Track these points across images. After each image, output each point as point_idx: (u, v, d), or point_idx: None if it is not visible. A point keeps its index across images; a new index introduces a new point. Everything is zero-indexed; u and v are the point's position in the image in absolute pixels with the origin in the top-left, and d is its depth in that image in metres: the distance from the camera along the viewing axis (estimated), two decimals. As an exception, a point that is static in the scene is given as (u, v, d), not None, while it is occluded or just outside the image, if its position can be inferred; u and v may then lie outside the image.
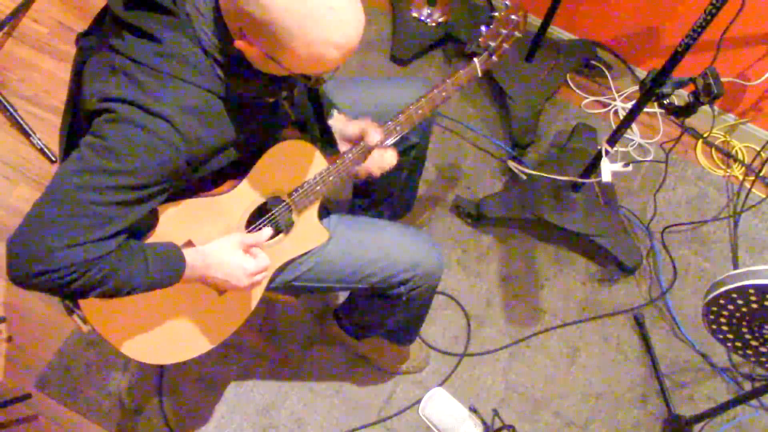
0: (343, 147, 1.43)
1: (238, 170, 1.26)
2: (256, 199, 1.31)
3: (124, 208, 1.06)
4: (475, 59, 1.42)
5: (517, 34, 1.44)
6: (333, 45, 1.02)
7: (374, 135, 1.40)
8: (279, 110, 1.27)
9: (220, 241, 1.25)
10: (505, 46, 1.44)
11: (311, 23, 0.99)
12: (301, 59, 1.04)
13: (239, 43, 1.05)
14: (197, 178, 1.18)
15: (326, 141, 1.44)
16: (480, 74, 1.43)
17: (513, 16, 1.40)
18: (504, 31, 1.41)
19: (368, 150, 1.41)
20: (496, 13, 1.40)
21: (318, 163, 1.36)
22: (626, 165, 1.86)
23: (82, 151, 1.05)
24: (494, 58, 1.44)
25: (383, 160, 1.46)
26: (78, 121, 1.17)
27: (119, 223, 1.06)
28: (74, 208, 1.02)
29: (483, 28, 1.40)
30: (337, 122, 1.47)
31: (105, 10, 1.15)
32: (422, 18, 2.52)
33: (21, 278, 1.03)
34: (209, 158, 1.15)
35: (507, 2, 1.41)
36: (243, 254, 1.27)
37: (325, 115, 1.47)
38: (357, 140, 1.42)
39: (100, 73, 1.09)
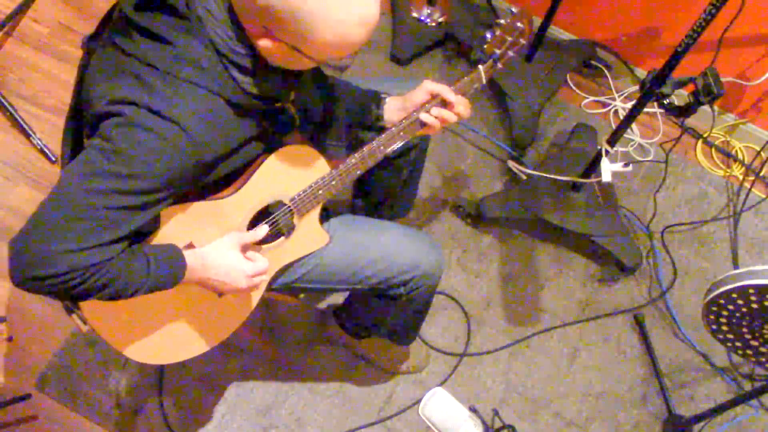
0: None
1: (241, 174, 1.26)
2: (259, 203, 1.31)
3: (130, 213, 1.05)
4: (480, 66, 1.41)
5: (522, 41, 1.43)
6: (356, 22, 1.02)
7: (446, 89, 1.38)
8: (285, 114, 1.27)
9: (217, 242, 1.25)
10: (510, 53, 1.44)
11: (334, 3, 0.99)
12: (327, 43, 1.03)
13: (264, 42, 1.05)
14: (203, 183, 1.18)
15: (327, 144, 1.44)
16: (484, 82, 1.43)
17: (518, 24, 1.40)
18: (509, 39, 1.41)
19: (418, 120, 1.38)
20: (502, 21, 1.39)
21: (321, 167, 1.35)
22: (626, 165, 1.87)
23: (89, 153, 1.04)
24: (499, 65, 1.43)
25: (466, 104, 1.43)
26: (82, 124, 1.17)
27: (125, 228, 1.06)
28: (80, 212, 1.01)
29: (488, 35, 1.40)
30: (394, 103, 1.45)
31: (110, 14, 1.15)
32: (422, 18, 2.52)
33: (24, 281, 1.02)
34: (217, 163, 1.15)
35: (513, 9, 1.40)
36: (240, 255, 1.26)
37: (335, 118, 1.47)
38: (427, 102, 1.39)
39: (107, 75, 1.08)
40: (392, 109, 1.46)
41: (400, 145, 1.41)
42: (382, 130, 1.40)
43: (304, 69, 1.16)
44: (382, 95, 1.47)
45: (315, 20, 1.00)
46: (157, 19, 1.05)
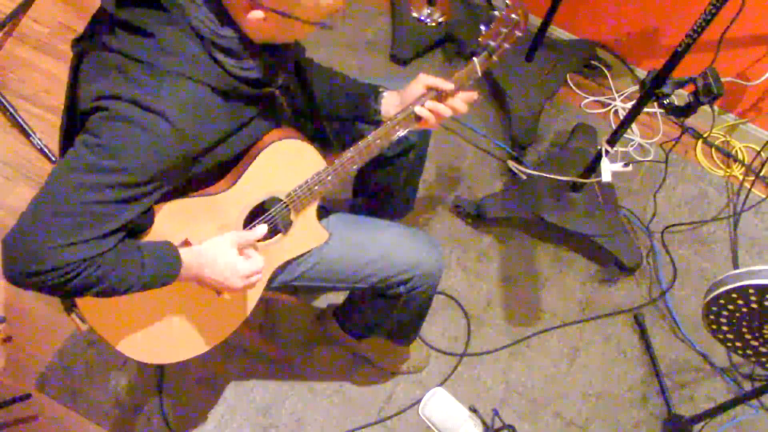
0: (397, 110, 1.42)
1: (233, 165, 1.26)
2: (254, 199, 1.30)
3: (120, 206, 1.06)
4: (475, 59, 1.41)
5: (518, 33, 1.43)
6: None
7: (441, 81, 1.38)
8: (274, 102, 1.27)
9: (215, 239, 1.25)
10: (506, 45, 1.43)
11: None
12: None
13: (254, 14, 1.05)
14: (194, 176, 1.17)
15: (322, 139, 1.43)
16: (480, 74, 1.43)
17: (513, 15, 1.40)
18: (504, 30, 1.41)
19: (413, 113, 1.39)
20: (496, 12, 1.39)
21: (316, 163, 1.35)
22: (626, 165, 1.86)
23: (77, 149, 1.04)
24: (494, 57, 1.43)
25: (463, 98, 1.43)
26: (74, 123, 1.17)
27: (116, 222, 1.06)
28: (70, 207, 1.02)
29: (483, 27, 1.40)
30: (392, 98, 1.46)
31: (98, 14, 1.15)
32: (422, 18, 2.52)
33: (17, 277, 1.03)
34: (206, 154, 1.15)
35: (507, 1, 1.40)
36: (237, 254, 1.26)
37: (329, 112, 1.47)
38: (424, 95, 1.39)
39: (94, 73, 1.08)
40: (390, 104, 1.46)
41: (396, 139, 1.41)
42: (379, 123, 1.40)
43: (294, 39, 1.16)
44: (380, 90, 1.47)
45: None
46: (139, 12, 1.05)
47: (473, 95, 1.43)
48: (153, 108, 1.03)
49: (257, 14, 1.05)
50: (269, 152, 1.27)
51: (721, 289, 1.38)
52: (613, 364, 2.09)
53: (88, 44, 1.13)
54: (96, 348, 1.96)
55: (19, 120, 2.23)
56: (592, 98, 2.50)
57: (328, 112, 1.49)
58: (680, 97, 2.32)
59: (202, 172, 1.18)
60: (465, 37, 2.46)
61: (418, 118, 1.40)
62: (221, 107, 1.12)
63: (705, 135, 2.46)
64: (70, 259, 1.02)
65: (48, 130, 2.25)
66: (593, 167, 2.02)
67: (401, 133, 1.41)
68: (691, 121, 2.43)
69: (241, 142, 1.22)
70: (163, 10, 1.05)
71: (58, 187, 1.03)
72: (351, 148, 1.36)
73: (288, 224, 1.38)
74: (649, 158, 2.41)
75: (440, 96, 1.40)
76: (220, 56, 1.09)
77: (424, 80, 1.40)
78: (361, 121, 1.52)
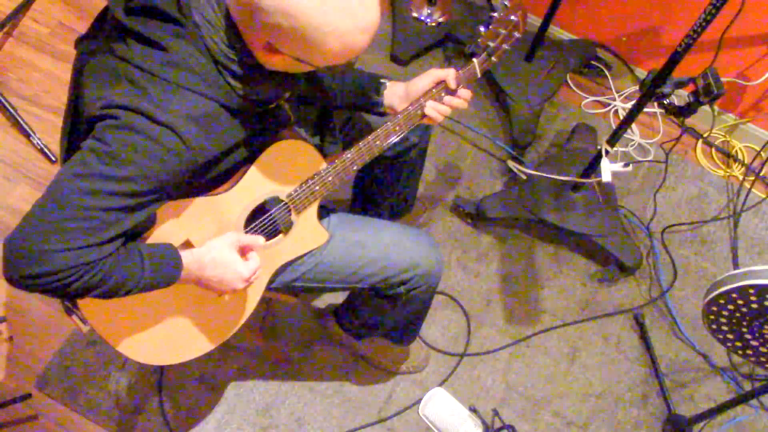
0: (403, 106, 1.43)
1: (237, 171, 1.27)
2: (255, 199, 1.31)
3: (123, 214, 1.06)
4: (474, 60, 1.42)
5: (516, 34, 1.43)
6: (360, 29, 1.04)
7: (452, 75, 1.40)
8: (280, 113, 1.27)
9: (214, 241, 1.25)
10: (505, 46, 1.44)
11: (339, 16, 1.01)
12: (334, 53, 1.05)
13: (269, 57, 1.07)
14: (198, 184, 1.18)
15: (328, 140, 1.43)
16: (479, 75, 1.43)
17: (512, 17, 1.40)
18: (503, 32, 1.41)
19: (415, 114, 1.40)
20: (495, 14, 1.40)
21: (316, 163, 1.36)
22: (626, 165, 1.86)
23: (84, 154, 1.04)
24: (494, 58, 1.44)
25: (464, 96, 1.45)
26: (78, 125, 1.17)
27: (117, 228, 1.07)
28: (73, 212, 1.02)
29: (482, 28, 1.40)
30: (396, 88, 1.47)
31: (104, 14, 1.15)
32: (422, 18, 2.52)
33: (17, 279, 1.03)
34: (212, 165, 1.16)
35: (506, 2, 1.40)
36: (237, 256, 1.26)
37: (330, 114, 1.47)
38: (433, 88, 1.41)
39: (103, 79, 1.09)
40: (392, 95, 1.47)
41: (397, 139, 1.42)
42: (382, 114, 1.41)
43: (305, 71, 1.17)
44: (382, 81, 1.48)
45: (321, 34, 1.01)
46: (151, 24, 1.05)
47: (468, 93, 1.44)
48: (162, 120, 1.04)
49: (271, 58, 1.08)
50: (270, 153, 1.27)
51: (721, 289, 1.38)
52: (613, 364, 2.09)
53: (92, 45, 1.13)
54: (96, 348, 1.96)
55: (19, 120, 2.23)
56: (592, 98, 2.50)
57: (332, 103, 1.50)
58: (680, 97, 2.32)
59: (207, 179, 1.19)
60: (465, 37, 2.46)
61: (424, 115, 1.41)
62: (228, 121, 1.13)
63: (705, 135, 2.46)
64: (69, 263, 1.03)
65: (48, 130, 2.25)
66: (593, 167, 2.01)
67: (402, 133, 1.41)
68: (691, 121, 2.44)
69: (246, 151, 1.23)
70: (177, 25, 1.05)
71: (63, 192, 1.03)
72: (352, 149, 1.37)
73: (289, 225, 1.39)
74: (649, 158, 2.41)
75: (441, 95, 1.40)
76: (228, 78, 1.10)
77: (435, 73, 1.41)
78: (364, 111, 1.53)
